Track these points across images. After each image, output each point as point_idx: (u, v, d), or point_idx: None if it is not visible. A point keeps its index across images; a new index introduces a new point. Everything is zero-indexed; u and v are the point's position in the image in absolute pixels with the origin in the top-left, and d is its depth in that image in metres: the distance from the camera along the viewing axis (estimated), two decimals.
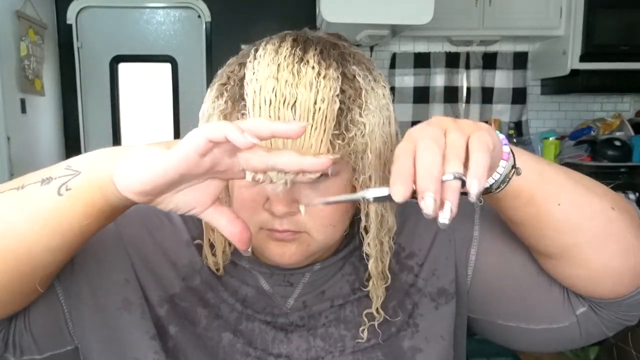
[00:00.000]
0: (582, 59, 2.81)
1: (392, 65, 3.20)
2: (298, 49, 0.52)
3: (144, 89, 3.30)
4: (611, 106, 3.32)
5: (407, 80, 3.21)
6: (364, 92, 0.53)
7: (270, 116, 0.49)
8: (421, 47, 3.22)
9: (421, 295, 0.62)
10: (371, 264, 0.59)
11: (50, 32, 3.02)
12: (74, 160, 0.46)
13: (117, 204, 0.45)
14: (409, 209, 0.64)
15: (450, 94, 3.24)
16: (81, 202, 0.45)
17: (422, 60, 3.20)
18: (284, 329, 0.61)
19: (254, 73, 0.51)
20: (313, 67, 0.50)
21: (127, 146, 0.47)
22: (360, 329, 0.61)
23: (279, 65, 0.50)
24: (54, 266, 0.50)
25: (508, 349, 1.94)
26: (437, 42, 3.20)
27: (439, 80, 3.22)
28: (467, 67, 3.21)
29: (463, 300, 0.64)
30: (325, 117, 0.50)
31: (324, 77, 0.50)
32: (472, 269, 0.63)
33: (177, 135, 3.26)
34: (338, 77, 0.51)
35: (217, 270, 0.61)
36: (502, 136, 0.48)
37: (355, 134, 0.52)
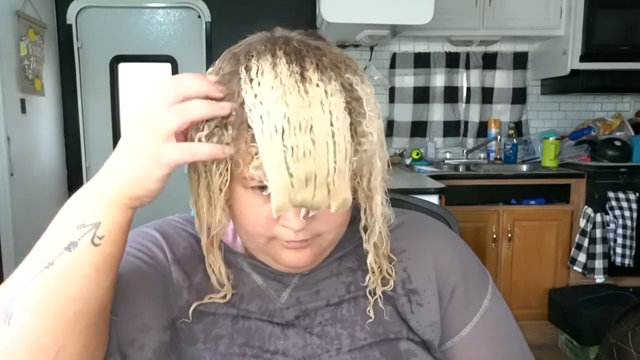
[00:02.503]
0: (582, 59, 2.81)
1: (392, 65, 3.20)
2: (294, 65, 0.49)
3: (144, 89, 3.30)
4: (611, 106, 3.32)
5: (407, 80, 3.21)
6: (364, 101, 0.52)
7: (285, 145, 0.46)
8: (421, 47, 3.22)
9: (413, 337, 0.64)
10: (380, 251, 0.61)
11: (50, 32, 3.02)
12: (75, 216, 0.49)
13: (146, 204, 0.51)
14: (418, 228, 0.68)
15: (450, 94, 3.23)
16: (120, 236, 0.50)
17: (422, 60, 3.20)
18: (280, 325, 0.61)
19: (255, 96, 0.47)
20: (318, 85, 0.48)
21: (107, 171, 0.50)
22: (367, 309, 0.61)
23: (284, 86, 0.47)
24: (111, 295, 0.53)
25: None
26: (437, 42, 3.20)
27: (439, 80, 3.22)
28: (467, 67, 3.21)
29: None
30: (344, 137, 0.48)
31: (332, 95, 0.48)
32: (447, 345, 0.66)
33: None
34: (341, 90, 0.49)
35: (225, 296, 0.61)
36: None
37: (367, 146, 0.52)
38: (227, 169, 0.52)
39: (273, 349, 0.60)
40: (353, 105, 0.50)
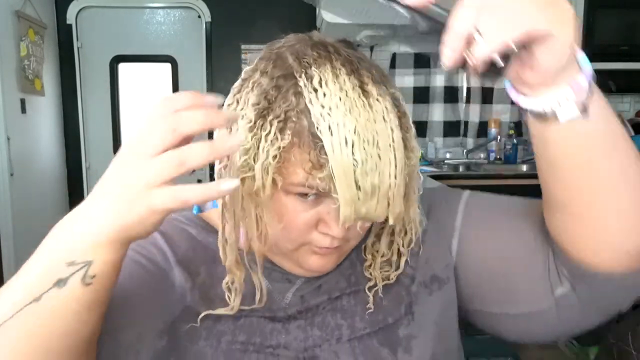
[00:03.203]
0: None
1: (392, 65, 3.20)
2: (353, 77, 0.50)
3: (144, 89, 3.30)
4: (611, 106, 3.31)
5: (407, 80, 3.21)
6: (408, 115, 0.54)
7: (355, 159, 0.47)
8: (421, 47, 3.22)
9: (417, 285, 0.63)
10: (383, 247, 0.62)
11: (50, 32, 3.02)
12: (64, 252, 0.45)
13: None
14: None
15: (450, 94, 3.23)
16: (113, 272, 0.47)
17: (422, 60, 3.20)
18: (281, 321, 0.61)
19: (323, 107, 0.48)
20: (378, 100, 0.49)
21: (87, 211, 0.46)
22: (367, 305, 0.61)
23: (350, 99, 0.48)
24: (99, 328, 0.51)
25: (508, 348, 1.93)
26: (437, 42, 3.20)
27: (439, 80, 3.22)
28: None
29: (452, 285, 0.65)
30: (401, 152, 0.50)
31: (390, 111, 0.50)
32: (454, 258, 0.64)
33: None
34: (394, 105, 0.51)
35: (232, 308, 0.60)
36: (585, 64, 0.43)
37: (414, 161, 0.54)
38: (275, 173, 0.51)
39: (275, 344, 0.60)
40: (402, 121, 0.52)
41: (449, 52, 0.40)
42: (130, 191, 0.43)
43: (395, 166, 0.49)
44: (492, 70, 0.41)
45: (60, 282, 0.44)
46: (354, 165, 0.47)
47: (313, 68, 0.50)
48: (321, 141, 0.48)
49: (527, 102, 0.44)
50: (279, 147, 0.49)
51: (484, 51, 0.39)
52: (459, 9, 0.40)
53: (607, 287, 0.53)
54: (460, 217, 0.64)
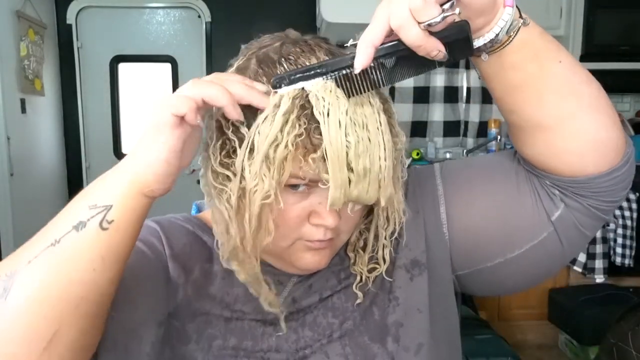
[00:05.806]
0: (582, 59, 2.81)
1: None
2: None
3: (144, 89, 3.30)
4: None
5: (407, 80, 3.20)
6: (390, 101, 0.55)
7: (348, 141, 0.48)
8: None
9: (396, 267, 0.63)
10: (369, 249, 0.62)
11: (50, 32, 3.02)
12: (89, 197, 0.48)
13: (157, 195, 0.50)
14: None
15: (450, 94, 3.23)
16: (130, 225, 0.48)
17: None
18: (273, 324, 0.61)
19: (317, 91, 0.50)
20: None
21: (130, 156, 0.50)
22: (356, 301, 0.61)
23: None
24: (114, 289, 0.51)
25: (508, 349, 1.93)
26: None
27: (439, 80, 3.22)
28: (467, 67, 3.21)
29: (442, 267, 0.64)
30: (389, 136, 0.52)
31: (374, 94, 0.51)
32: (446, 226, 0.64)
33: None
34: (376, 91, 0.52)
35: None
36: None
37: (400, 146, 0.55)
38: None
39: (266, 347, 0.60)
40: (385, 107, 0.54)
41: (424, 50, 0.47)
42: (157, 123, 0.47)
43: (385, 149, 0.50)
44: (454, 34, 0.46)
45: (80, 225, 0.47)
46: (347, 147, 0.48)
47: (300, 60, 0.52)
48: (316, 123, 0.49)
49: (483, 39, 0.49)
50: (295, 136, 0.49)
51: (433, 16, 0.44)
52: (383, 13, 0.49)
53: (600, 187, 0.55)
54: (440, 187, 0.65)
